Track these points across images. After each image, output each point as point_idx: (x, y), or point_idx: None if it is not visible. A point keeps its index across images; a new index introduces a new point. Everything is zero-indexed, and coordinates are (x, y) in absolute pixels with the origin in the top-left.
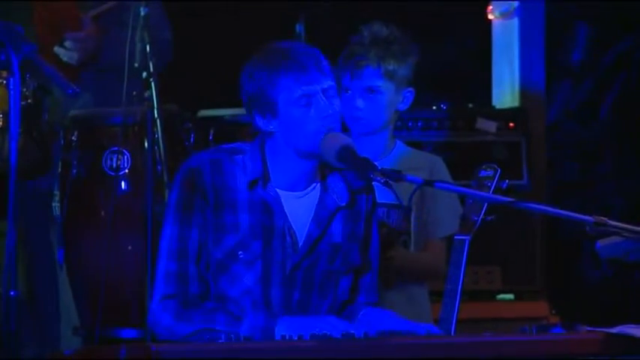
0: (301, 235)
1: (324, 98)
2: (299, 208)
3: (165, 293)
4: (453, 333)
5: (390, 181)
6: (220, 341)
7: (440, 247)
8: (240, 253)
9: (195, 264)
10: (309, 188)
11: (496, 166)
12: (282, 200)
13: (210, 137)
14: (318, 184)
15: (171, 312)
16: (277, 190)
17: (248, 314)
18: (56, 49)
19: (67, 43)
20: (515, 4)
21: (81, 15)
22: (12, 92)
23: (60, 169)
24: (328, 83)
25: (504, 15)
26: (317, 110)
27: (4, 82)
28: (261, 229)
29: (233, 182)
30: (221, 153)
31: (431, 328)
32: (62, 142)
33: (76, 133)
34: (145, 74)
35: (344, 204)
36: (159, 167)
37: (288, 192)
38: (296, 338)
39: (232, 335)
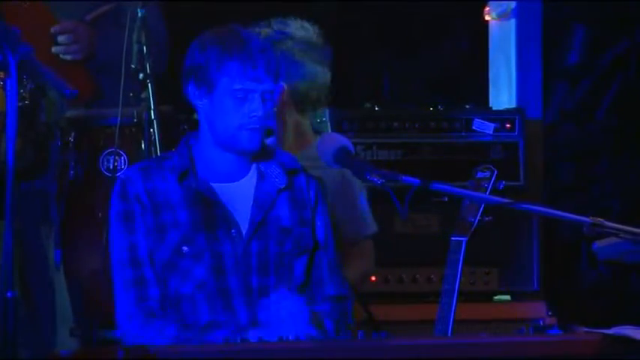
0: (244, 222)
1: (259, 99)
2: (236, 195)
3: (127, 301)
4: (449, 334)
5: (387, 183)
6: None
7: (371, 248)
8: (183, 247)
9: (150, 268)
10: (244, 177)
11: (493, 167)
12: (218, 191)
13: None
14: (255, 172)
15: (137, 322)
16: (211, 183)
17: (204, 315)
18: (54, 49)
19: (61, 38)
20: (513, 5)
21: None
22: (9, 93)
23: (57, 171)
24: (270, 87)
25: (501, 16)
26: (249, 107)
27: (1, 83)
28: (203, 222)
29: (164, 184)
30: (149, 162)
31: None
32: (59, 143)
33: (73, 134)
34: (141, 75)
35: (283, 185)
36: None
37: (222, 183)
38: (293, 339)
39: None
